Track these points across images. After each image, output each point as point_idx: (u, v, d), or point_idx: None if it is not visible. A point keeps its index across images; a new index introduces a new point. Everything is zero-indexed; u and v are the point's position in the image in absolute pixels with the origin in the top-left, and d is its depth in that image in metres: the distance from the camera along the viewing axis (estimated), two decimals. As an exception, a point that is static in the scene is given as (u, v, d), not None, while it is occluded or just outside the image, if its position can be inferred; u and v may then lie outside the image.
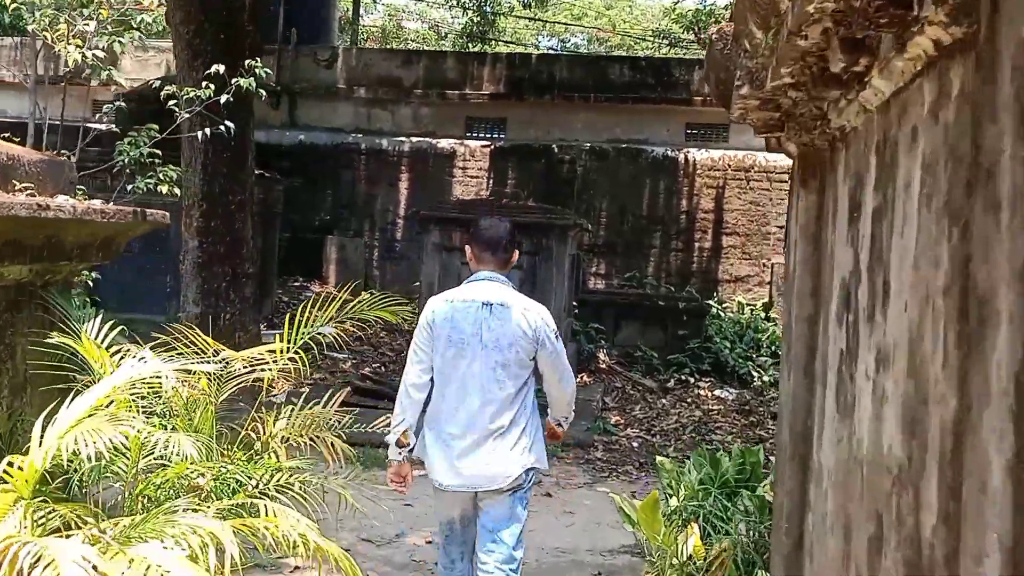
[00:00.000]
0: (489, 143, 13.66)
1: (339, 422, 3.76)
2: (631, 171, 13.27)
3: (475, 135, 13.91)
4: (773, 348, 11.23)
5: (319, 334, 3.75)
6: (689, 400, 9.74)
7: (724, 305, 12.58)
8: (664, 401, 9.60)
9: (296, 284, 13.04)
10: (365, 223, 13.86)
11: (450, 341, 3.25)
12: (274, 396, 6.45)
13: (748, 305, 12.84)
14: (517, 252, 3.62)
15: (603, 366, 10.37)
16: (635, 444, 8.03)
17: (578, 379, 9.35)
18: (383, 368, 9.52)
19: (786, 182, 12.56)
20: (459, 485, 3.26)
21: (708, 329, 11.35)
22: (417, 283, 9.50)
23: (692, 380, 10.56)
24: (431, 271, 8.69)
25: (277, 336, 3.84)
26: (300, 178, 13.17)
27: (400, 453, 3.33)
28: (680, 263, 13.21)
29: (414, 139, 13.83)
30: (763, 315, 12.47)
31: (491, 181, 13.19)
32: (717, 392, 10.15)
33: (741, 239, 13.03)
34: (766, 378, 10.69)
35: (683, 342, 11.04)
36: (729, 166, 13.07)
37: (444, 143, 13.71)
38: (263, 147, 10.98)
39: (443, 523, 3.44)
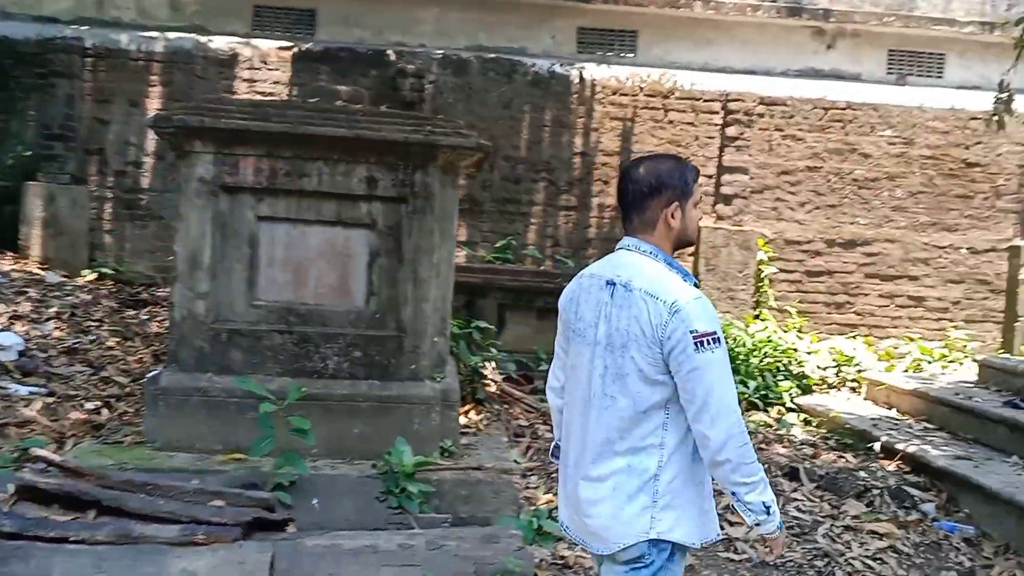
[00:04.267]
0: (291, 45, 9.58)
1: None
2: (503, 93, 9.67)
3: (269, 32, 9.77)
4: (774, 368, 8.13)
5: None
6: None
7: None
8: (603, 449, 6.15)
9: (-32, 260, 8.51)
10: (92, 163, 9.39)
11: (573, 332, 2.50)
12: None
13: (667, 285, 9.65)
14: (672, 205, 2.40)
15: (491, 388, 6.77)
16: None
17: (462, 412, 5.75)
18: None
19: (717, 113, 9.44)
20: (572, 529, 2.53)
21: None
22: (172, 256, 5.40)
23: (624, 404, 7.19)
24: (198, 233, 4.70)
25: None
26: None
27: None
28: (573, 226, 9.81)
29: (172, 35, 9.50)
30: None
31: (294, 99, 9.13)
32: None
33: (657, 193, 9.79)
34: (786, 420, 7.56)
35: (602, 344, 7.65)
36: (641, 89, 9.77)
37: (220, 42, 9.49)
38: None
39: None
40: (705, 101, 9.77)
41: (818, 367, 8.59)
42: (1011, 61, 10.27)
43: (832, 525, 4.97)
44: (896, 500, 5.36)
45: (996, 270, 10.15)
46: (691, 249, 9.75)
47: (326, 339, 4.80)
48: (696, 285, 2.40)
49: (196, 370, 4.69)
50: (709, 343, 2.26)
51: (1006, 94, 6.96)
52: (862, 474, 5.69)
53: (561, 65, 9.75)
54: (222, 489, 3.78)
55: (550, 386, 2.73)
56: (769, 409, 7.75)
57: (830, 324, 9.95)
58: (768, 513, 2.32)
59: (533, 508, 4.77)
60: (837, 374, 8.71)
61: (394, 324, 4.89)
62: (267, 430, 4.05)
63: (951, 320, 10.12)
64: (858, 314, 10.04)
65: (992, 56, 10.36)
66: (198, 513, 3.54)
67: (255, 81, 9.44)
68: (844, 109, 9.93)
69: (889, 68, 10.34)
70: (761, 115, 9.80)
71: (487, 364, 6.80)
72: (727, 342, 8.28)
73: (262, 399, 4.21)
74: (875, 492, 5.42)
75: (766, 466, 5.90)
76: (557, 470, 5.58)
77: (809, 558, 4.59)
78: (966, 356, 9.57)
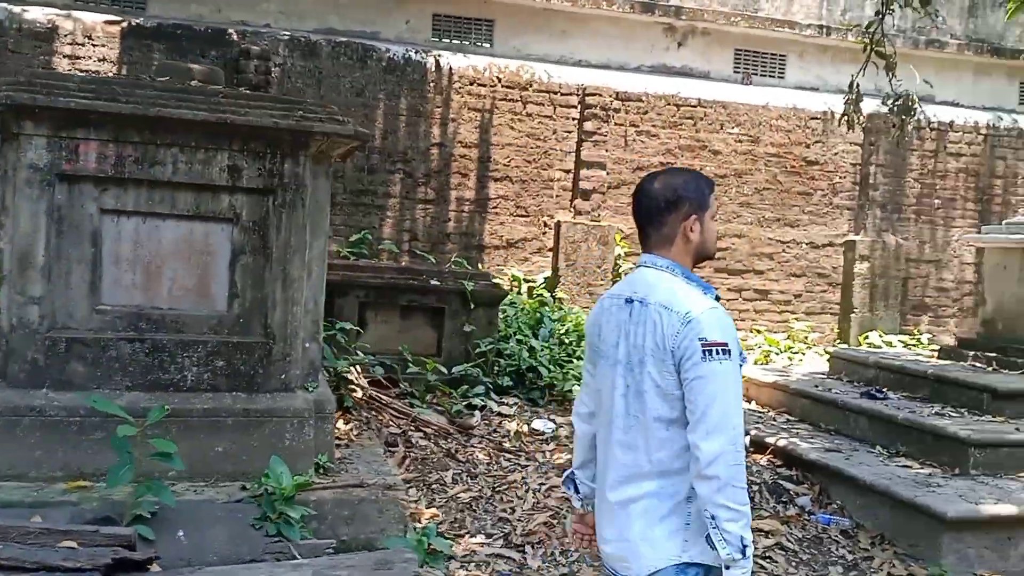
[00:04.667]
0: (119, 19, 8.76)
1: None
2: (356, 79, 9.24)
3: (93, 5, 8.90)
4: (579, 343, 8.07)
5: None
6: (509, 444, 6.19)
7: (495, 281, 9.15)
8: (479, 454, 5.93)
9: None
10: None
11: (598, 354, 2.47)
12: None
13: (526, 280, 9.57)
14: (690, 219, 2.36)
15: (358, 394, 6.40)
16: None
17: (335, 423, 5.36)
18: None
19: (575, 107, 9.41)
20: (606, 556, 2.44)
21: (501, 321, 7.87)
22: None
23: (492, 405, 7.03)
24: (29, 228, 4.10)
25: None
26: None
27: (578, 499, 2.64)
28: (431, 220, 9.51)
29: (-23, 3, 8.48)
30: (549, 294, 9.29)
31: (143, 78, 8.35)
32: (536, 424, 6.73)
33: (515, 187, 9.67)
34: (595, 394, 7.45)
35: (468, 342, 7.45)
36: (499, 80, 9.59)
37: (37, 13, 8.56)
38: None
39: None
40: (563, 94, 9.71)
41: (677, 361, 8.70)
42: (846, 64, 10.81)
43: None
44: (774, 495, 5.43)
45: (834, 264, 10.67)
46: (550, 244, 9.68)
47: (183, 347, 4.30)
48: (717, 298, 2.35)
49: (29, 386, 4.09)
50: (718, 353, 2.19)
51: (855, 94, 7.23)
52: (738, 470, 5.74)
53: (417, 52, 9.43)
54: (73, 527, 3.27)
55: (576, 412, 2.66)
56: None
57: (683, 318, 10.12)
58: (744, 554, 2.17)
59: (420, 526, 4.48)
60: (695, 368, 8.86)
61: (261, 329, 4.45)
62: (124, 456, 3.55)
63: (793, 312, 10.56)
64: (709, 308, 10.27)
65: (828, 59, 10.88)
66: (46, 558, 3.03)
67: (78, 58, 8.57)
68: (695, 106, 10.13)
69: (736, 67, 10.64)
70: (617, 110, 9.85)
71: (352, 368, 6.42)
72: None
73: (114, 418, 3.70)
74: (754, 488, 5.46)
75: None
76: (437, 481, 5.32)
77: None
78: (808, 347, 10.01)
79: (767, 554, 4.67)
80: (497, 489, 5.24)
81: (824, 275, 10.67)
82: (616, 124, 9.84)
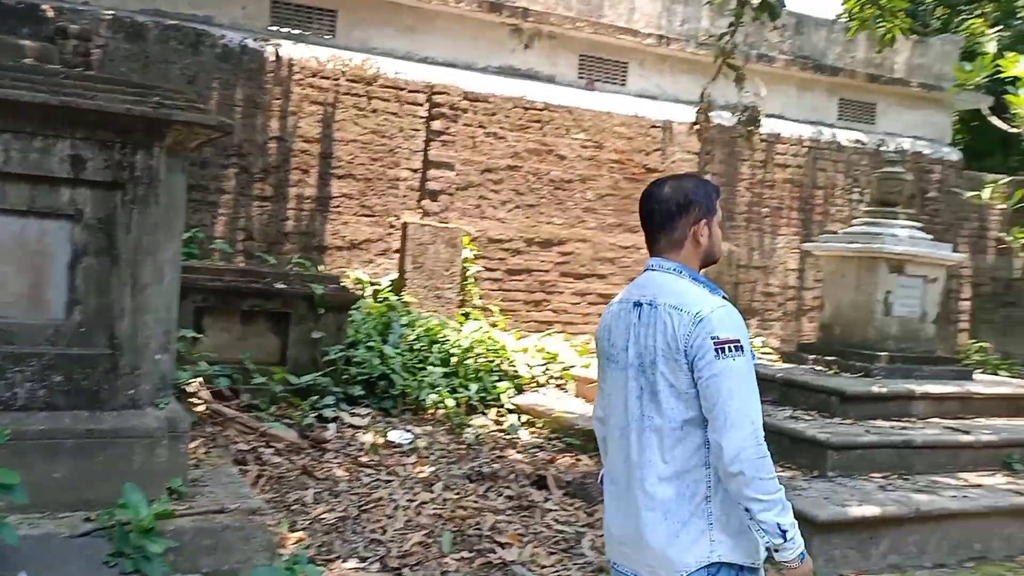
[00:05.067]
0: (-92, -16, 7.75)
1: None
2: (187, 66, 8.62)
3: None
4: (430, 348, 7.91)
5: None
6: (367, 458, 5.93)
7: (343, 284, 8.80)
8: (337, 470, 5.62)
9: None
10: None
11: (608, 359, 2.49)
12: None
13: (371, 283, 9.27)
14: (700, 223, 2.40)
15: (201, 408, 5.93)
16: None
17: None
18: None
19: (422, 105, 9.23)
20: (617, 563, 2.46)
21: (349, 327, 7.56)
22: None
23: (344, 416, 6.74)
24: None
25: None
26: None
27: None
28: (268, 219, 9.03)
29: None
30: (396, 298, 9.04)
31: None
32: (392, 435, 6.50)
33: (359, 185, 9.34)
34: (450, 401, 7.33)
35: (315, 350, 7.11)
36: (343, 73, 9.23)
37: None
38: None
39: None
40: (410, 91, 9.47)
41: (527, 365, 8.67)
42: (684, 75, 11.20)
43: (594, 536, 4.90)
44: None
45: (672, 269, 10.99)
46: (396, 246, 9.43)
47: (15, 361, 3.78)
48: (725, 297, 2.37)
49: None
50: (731, 350, 2.23)
51: (706, 103, 7.44)
52: (606, 478, 5.73)
53: (255, 40, 8.92)
54: None
55: (596, 416, 2.68)
56: (487, 411, 7.66)
57: (529, 322, 10.14)
58: (784, 538, 2.23)
59: (288, 553, 4.15)
60: (545, 372, 8.87)
61: (106, 340, 3.97)
62: (-48, 491, 3.04)
63: (634, 316, 10.79)
64: (554, 311, 10.35)
65: (668, 68, 11.22)
66: None
67: None
68: (542, 110, 10.16)
69: (580, 72, 10.77)
70: (465, 110, 9.72)
71: (193, 380, 5.94)
72: (444, 343, 8.10)
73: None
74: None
75: (512, 476, 5.76)
76: (297, 501, 4.97)
77: (587, 573, 4.46)
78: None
79: None
80: (363, 508, 4.96)
81: (662, 280, 10.97)
82: (464, 124, 9.71)
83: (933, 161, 12.47)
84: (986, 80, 9.28)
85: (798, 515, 4.82)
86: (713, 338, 2.23)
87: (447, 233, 9.38)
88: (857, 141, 12.13)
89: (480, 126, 9.82)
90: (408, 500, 5.12)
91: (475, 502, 5.23)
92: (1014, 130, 9.03)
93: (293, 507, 4.88)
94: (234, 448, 5.50)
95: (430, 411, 7.29)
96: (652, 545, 2.31)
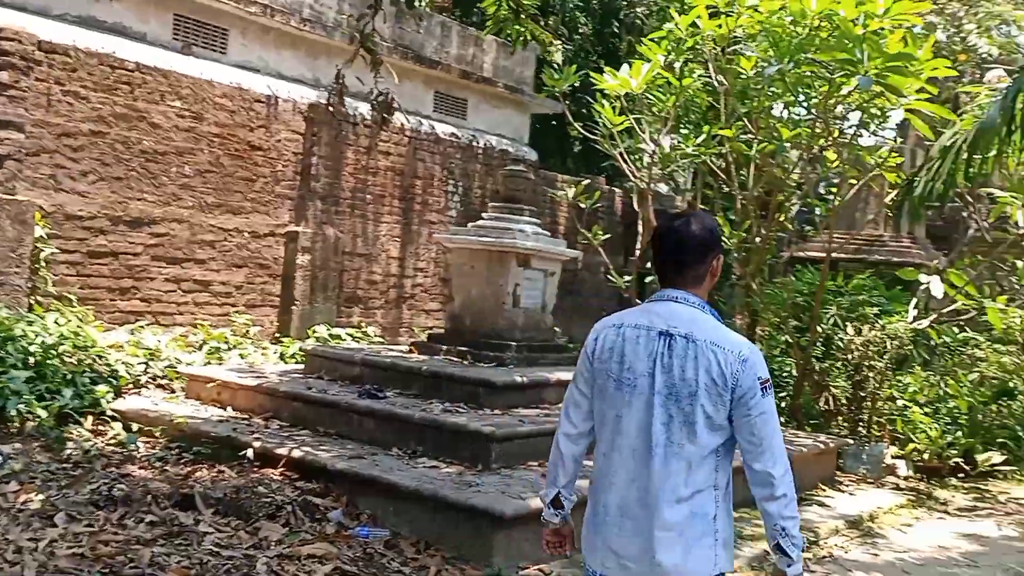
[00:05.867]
0: None
1: None
2: None
3: None
4: (4, 347, 6.69)
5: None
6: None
7: None
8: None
9: None
10: None
11: (616, 383, 2.57)
12: None
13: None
14: (718, 259, 2.63)
15: None
16: None
17: None
18: None
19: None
20: (624, 570, 2.54)
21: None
22: None
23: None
24: None
25: None
26: None
27: (557, 515, 2.80)
28: None
29: None
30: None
31: None
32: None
33: None
34: (40, 411, 6.23)
35: None
36: None
37: None
38: None
39: None
40: None
41: (124, 364, 7.65)
42: (287, 49, 10.78)
43: (266, 558, 4.42)
44: (307, 513, 5.06)
45: (275, 255, 10.50)
46: None
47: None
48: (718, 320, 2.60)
49: None
50: (768, 389, 2.50)
51: (340, 84, 7.15)
52: (261, 489, 5.23)
53: None
54: None
55: (565, 432, 2.74)
56: (84, 420, 6.61)
57: (114, 312, 8.98)
58: (800, 550, 2.49)
59: None
60: (146, 371, 7.91)
61: None
62: None
63: (234, 305, 10.12)
64: (144, 300, 9.29)
65: (271, 41, 10.67)
66: None
67: None
68: (133, 71, 9.03)
69: (175, 34, 9.77)
70: (40, 62, 8.27)
71: None
72: (21, 340, 6.81)
73: None
74: (286, 509, 5.02)
75: (148, 497, 5.02)
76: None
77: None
78: (250, 342, 9.67)
79: (334, 583, 4.31)
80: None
81: (265, 266, 10.42)
82: (38, 79, 8.26)
83: (515, 159, 13.43)
84: (569, 88, 10.20)
85: (483, 512, 4.85)
86: (759, 379, 2.47)
87: (14, 207, 7.90)
88: (452, 134, 12.61)
89: (58, 82, 8.43)
90: (30, 540, 4.17)
91: (115, 534, 4.42)
92: (594, 136, 10.04)
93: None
94: None
95: (15, 424, 6.08)
96: (665, 563, 2.47)
